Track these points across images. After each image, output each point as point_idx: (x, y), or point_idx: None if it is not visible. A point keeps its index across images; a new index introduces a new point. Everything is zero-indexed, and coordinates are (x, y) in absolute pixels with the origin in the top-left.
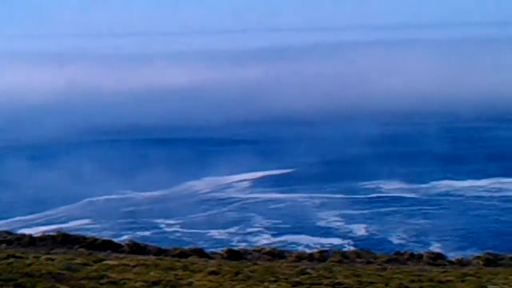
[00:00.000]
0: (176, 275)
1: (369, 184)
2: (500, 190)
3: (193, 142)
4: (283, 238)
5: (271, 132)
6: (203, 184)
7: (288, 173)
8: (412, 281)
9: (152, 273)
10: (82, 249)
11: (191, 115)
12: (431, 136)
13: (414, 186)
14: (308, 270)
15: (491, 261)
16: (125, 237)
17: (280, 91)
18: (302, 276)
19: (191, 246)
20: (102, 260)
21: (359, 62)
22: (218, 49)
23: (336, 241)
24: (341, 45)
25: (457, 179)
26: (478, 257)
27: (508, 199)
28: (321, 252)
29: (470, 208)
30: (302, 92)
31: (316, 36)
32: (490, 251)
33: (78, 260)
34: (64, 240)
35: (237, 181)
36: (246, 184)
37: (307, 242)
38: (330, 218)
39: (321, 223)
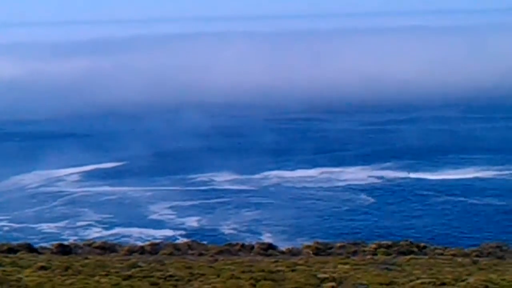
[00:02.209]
0: (4, 271)
1: (201, 176)
2: (329, 180)
3: (21, 136)
4: (114, 231)
5: (100, 125)
6: (32, 178)
7: (119, 166)
8: (243, 272)
9: None
10: None
11: (18, 109)
12: (260, 127)
13: (245, 177)
14: (140, 263)
15: (321, 250)
16: None
17: (107, 84)
18: (133, 269)
19: (20, 242)
20: None
21: (185, 54)
22: (42, 41)
23: (168, 233)
24: (166, 37)
25: (287, 170)
26: (308, 247)
27: (337, 189)
28: (152, 245)
29: (300, 198)
30: (130, 85)
31: (139, 28)
32: (319, 240)
33: None
34: None
35: (67, 175)
36: (76, 177)
37: (139, 235)
38: (162, 211)
39: (153, 216)
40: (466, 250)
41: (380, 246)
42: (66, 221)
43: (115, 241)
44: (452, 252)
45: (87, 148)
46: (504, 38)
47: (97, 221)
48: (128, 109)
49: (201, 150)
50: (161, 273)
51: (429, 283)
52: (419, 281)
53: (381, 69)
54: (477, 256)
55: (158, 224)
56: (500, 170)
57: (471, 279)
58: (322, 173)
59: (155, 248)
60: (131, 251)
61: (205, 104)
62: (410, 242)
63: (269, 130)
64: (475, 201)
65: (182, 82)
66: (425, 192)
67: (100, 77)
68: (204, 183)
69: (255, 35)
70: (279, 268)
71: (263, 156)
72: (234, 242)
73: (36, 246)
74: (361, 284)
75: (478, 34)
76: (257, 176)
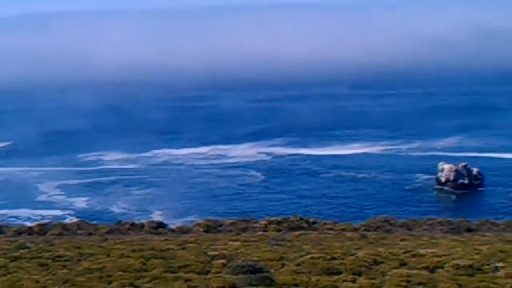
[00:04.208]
0: None
1: (89, 156)
2: (218, 157)
3: None
4: (1, 212)
5: None
6: None
7: (5, 146)
8: (134, 250)
9: None
10: None
11: None
12: (148, 106)
13: (135, 156)
14: (28, 244)
15: (211, 228)
16: None
17: None
18: (21, 251)
19: None
20: None
21: (72, 33)
22: None
23: (57, 213)
24: (53, 15)
25: (176, 148)
26: (198, 224)
27: (227, 166)
28: (41, 225)
29: (190, 175)
30: (16, 64)
31: (26, 7)
32: (210, 217)
33: None
34: None
35: None
36: None
37: (27, 215)
38: (50, 191)
39: (42, 196)
40: (355, 225)
41: (270, 222)
42: None
43: (2, 222)
44: (341, 227)
45: None
46: (385, 16)
47: None
48: (14, 89)
49: (89, 129)
50: (50, 253)
51: (319, 258)
52: (309, 256)
53: (268, 46)
54: (365, 230)
55: (47, 204)
56: (387, 146)
57: (359, 253)
58: (212, 150)
59: (43, 229)
60: (19, 232)
61: (94, 83)
62: (300, 217)
63: (158, 108)
64: (363, 176)
65: (69, 61)
66: (314, 168)
67: None
68: (93, 162)
69: (144, 13)
70: (169, 246)
71: (152, 135)
72: (123, 221)
73: None
74: (251, 260)
75: (360, 11)
76: (146, 154)
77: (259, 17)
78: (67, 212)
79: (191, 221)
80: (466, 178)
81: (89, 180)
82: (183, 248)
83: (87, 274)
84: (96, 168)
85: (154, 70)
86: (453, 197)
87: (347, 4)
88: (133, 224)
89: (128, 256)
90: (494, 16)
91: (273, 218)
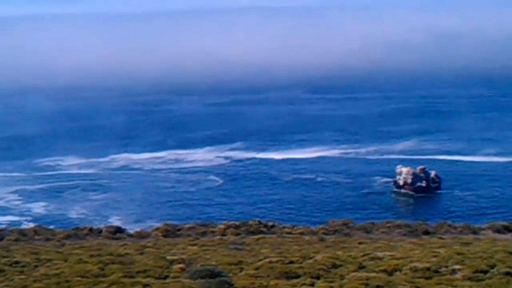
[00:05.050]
0: None
1: (47, 161)
2: (177, 161)
3: None
4: None
5: None
6: None
7: None
8: (92, 256)
9: None
10: None
11: None
12: (106, 110)
13: (93, 160)
14: None
15: (170, 232)
16: None
17: None
18: None
19: None
20: None
21: (27, 37)
22: None
23: (14, 218)
24: (7, 19)
25: (135, 152)
26: (157, 229)
27: (185, 170)
28: None
29: (148, 180)
30: None
31: None
32: (169, 222)
33: None
34: None
35: None
36: None
37: None
38: (7, 197)
39: None
40: (313, 228)
41: (228, 226)
42: None
43: None
44: (300, 231)
45: None
46: (344, 20)
47: None
48: None
49: (47, 134)
50: (7, 259)
51: (277, 261)
52: (267, 260)
53: (227, 50)
54: (324, 233)
55: (3, 210)
56: (346, 149)
57: (318, 257)
58: (171, 155)
59: (0, 234)
60: None
61: (51, 88)
62: (259, 221)
63: (116, 113)
64: (322, 179)
65: (26, 65)
66: (273, 172)
67: None
68: (51, 167)
69: (102, 18)
70: (128, 251)
71: (110, 139)
72: (82, 226)
73: None
74: (210, 264)
75: (319, 15)
76: (104, 159)
77: (218, 21)
78: (24, 217)
79: (150, 226)
80: (424, 181)
81: (47, 185)
82: (142, 253)
83: (44, 280)
84: (53, 173)
85: (112, 74)
86: (411, 200)
87: (306, 7)
88: (91, 229)
89: (86, 262)
90: (452, 21)
91: (232, 222)
